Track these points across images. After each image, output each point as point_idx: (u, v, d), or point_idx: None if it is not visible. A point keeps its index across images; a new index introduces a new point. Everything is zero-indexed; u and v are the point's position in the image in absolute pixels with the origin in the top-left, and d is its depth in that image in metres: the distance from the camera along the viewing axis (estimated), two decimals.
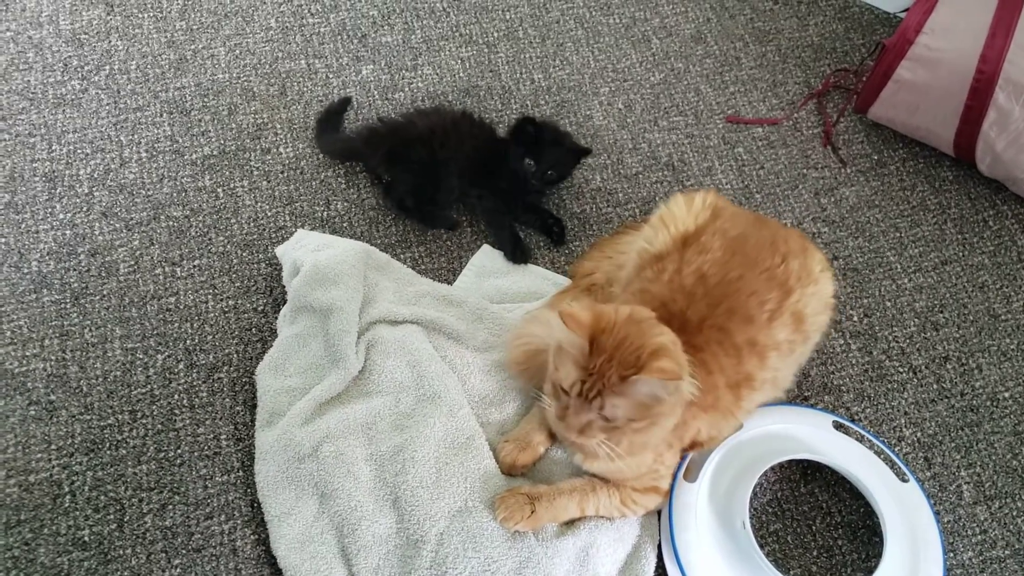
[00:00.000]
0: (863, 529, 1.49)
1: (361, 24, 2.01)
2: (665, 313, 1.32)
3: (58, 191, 1.72)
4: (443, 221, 1.75)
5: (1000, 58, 1.63)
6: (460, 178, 1.72)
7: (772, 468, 1.50)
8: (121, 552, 1.40)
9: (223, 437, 1.51)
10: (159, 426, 1.51)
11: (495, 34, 2.03)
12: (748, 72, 2.03)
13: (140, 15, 1.97)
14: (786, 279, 1.38)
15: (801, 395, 1.61)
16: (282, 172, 1.79)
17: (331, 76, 1.92)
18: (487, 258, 1.73)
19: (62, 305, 1.61)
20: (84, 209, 1.71)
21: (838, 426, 1.51)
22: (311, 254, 1.60)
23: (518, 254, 1.71)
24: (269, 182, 1.78)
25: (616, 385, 1.18)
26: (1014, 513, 1.53)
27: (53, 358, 1.56)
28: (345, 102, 1.86)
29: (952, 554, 1.49)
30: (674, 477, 1.42)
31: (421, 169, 1.70)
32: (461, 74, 1.96)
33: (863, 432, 1.50)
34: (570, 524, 1.39)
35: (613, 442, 1.25)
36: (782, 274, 1.38)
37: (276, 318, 1.62)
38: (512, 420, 1.50)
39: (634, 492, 1.38)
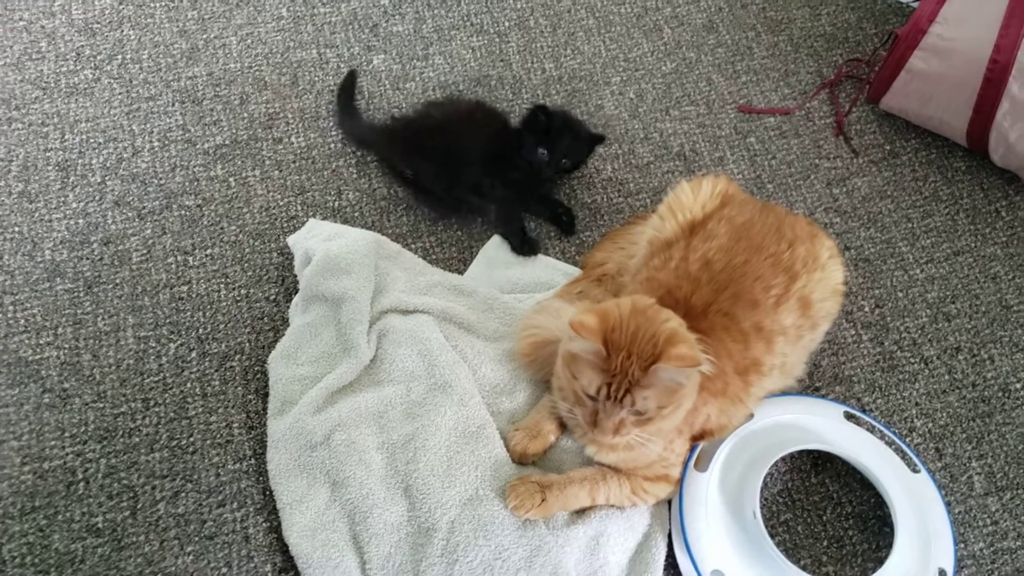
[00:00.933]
0: (874, 520, 1.49)
1: (372, 14, 2.01)
2: (671, 300, 1.33)
3: (71, 180, 1.73)
4: (467, 207, 1.75)
5: (1014, 48, 1.62)
6: (473, 167, 1.72)
7: (783, 458, 1.50)
8: (134, 539, 1.41)
9: (235, 425, 1.52)
10: (172, 414, 1.52)
11: (506, 23, 2.02)
12: (760, 62, 2.02)
13: (152, 4, 1.97)
14: (792, 264, 1.38)
15: (812, 385, 1.61)
16: (294, 162, 1.79)
17: (342, 66, 1.92)
18: (497, 248, 1.73)
19: (75, 294, 1.62)
20: (97, 198, 1.72)
21: (849, 416, 1.51)
22: (323, 243, 1.60)
23: (525, 247, 1.71)
24: (281, 171, 1.78)
25: (641, 378, 1.19)
26: None
27: (66, 346, 1.57)
28: (352, 76, 1.86)
29: (963, 545, 1.49)
30: (685, 466, 1.42)
31: (439, 157, 1.71)
32: (472, 63, 1.96)
33: (874, 423, 1.50)
34: (581, 513, 1.40)
35: (646, 432, 1.26)
36: (788, 259, 1.38)
37: (288, 307, 1.62)
38: (523, 409, 1.51)
39: (645, 481, 1.39)
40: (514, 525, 1.34)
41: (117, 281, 1.64)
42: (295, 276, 1.64)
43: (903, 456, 1.47)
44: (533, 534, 1.34)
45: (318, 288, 1.54)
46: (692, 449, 1.44)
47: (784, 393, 1.50)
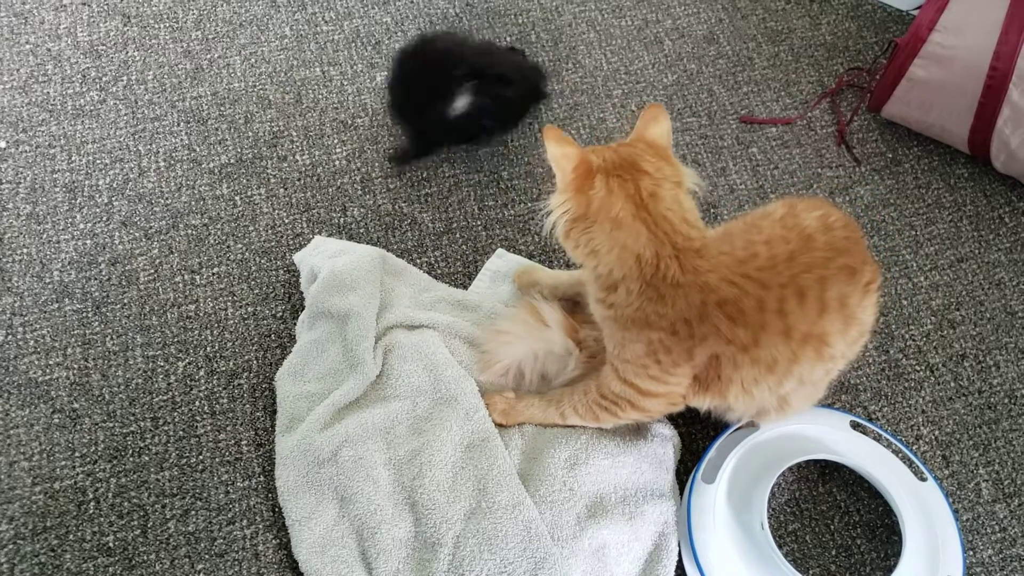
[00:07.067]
0: (882, 528, 1.49)
1: (375, 31, 2.03)
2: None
3: (78, 201, 1.75)
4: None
5: (1014, 55, 1.63)
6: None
7: (790, 468, 1.50)
8: (145, 558, 1.42)
9: (244, 443, 1.53)
10: (181, 432, 1.53)
11: (507, 39, 2.04)
12: (761, 72, 2.03)
13: (156, 25, 1.99)
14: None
15: None
16: (299, 179, 1.81)
17: (346, 83, 1.94)
18: (501, 262, 1.73)
19: (84, 314, 1.63)
20: (104, 219, 1.73)
21: (855, 426, 1.51)
22: (328, 260, 1.61)
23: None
24: (286, 189, 1.79)
25: None
26: None
27: (76, 366, 1.58)
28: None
29: (971, 552, 1.49)
30: (693, 477, 1.42)
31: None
32: None
33: (880, 431, 1.50)
34: (585, 523, 1.39)
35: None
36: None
37: (295, 324, 1.63)
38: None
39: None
40: (518, 538, 1.35)
41: (125, 301, 1.65)
42: (301, 293, 1.65)
43: (910, 464, 1.47)
44: (538, 547, 1.34)
45: (324, 305, 1.55)
46: (699, 459, 1.45)
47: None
